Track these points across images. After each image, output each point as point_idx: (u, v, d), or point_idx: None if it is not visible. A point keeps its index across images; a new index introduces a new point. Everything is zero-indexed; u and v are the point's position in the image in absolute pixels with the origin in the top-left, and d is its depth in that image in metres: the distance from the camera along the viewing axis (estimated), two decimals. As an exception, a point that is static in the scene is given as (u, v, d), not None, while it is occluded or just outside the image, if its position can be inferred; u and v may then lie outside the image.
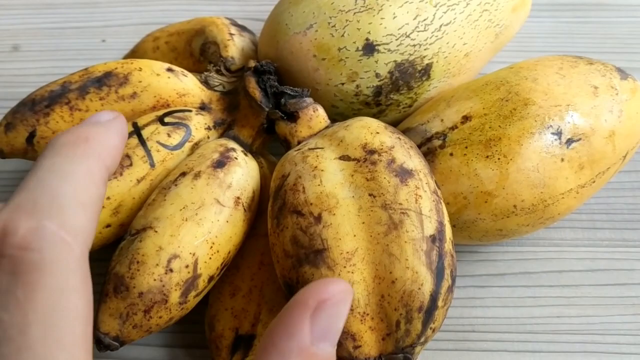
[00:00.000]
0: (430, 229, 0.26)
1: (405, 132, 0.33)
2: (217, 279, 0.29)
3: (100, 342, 0.27)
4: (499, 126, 0.30)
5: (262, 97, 0.32)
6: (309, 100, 0.32)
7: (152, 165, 0.30)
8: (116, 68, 0.33)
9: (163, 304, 0.27)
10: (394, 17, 0.32)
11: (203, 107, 0.33)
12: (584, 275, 0.35)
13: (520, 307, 0.34)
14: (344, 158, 0.28)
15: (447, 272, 0.26)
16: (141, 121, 0.31)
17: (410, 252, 0.25)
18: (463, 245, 0.36)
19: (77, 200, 0.21)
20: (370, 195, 0.27)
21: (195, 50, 0.37)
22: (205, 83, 0.34)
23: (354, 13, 0.32)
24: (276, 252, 0.27)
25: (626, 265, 0.35)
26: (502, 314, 0.34)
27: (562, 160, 0.30)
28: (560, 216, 0.32)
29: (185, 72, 0.34)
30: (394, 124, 0.35)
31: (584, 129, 0.31)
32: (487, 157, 0.30)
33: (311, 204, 0.27)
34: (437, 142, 0.31)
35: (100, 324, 0.27)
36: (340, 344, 0.25)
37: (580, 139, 0.31)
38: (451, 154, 0.31)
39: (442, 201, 0.28)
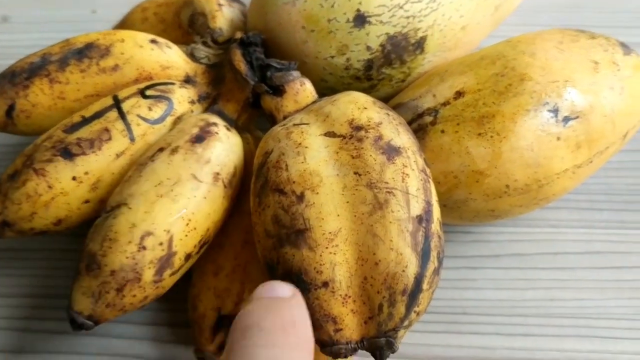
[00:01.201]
0: (416, 209, 0.25)
1: (397, 107, 0.31)
2: (196, 257, 0.28)
3: (73, 321, 0.26)
4: (493, 102, 0.29)
5: (247, 70, 0.31)
6: (296, 73, 0.30)
7: (132, 139, 0.29)
8: (98, 39, 0.32)
9: (136, 282, 0.26)
10: (386, -13, 0.31)
11: (188, 80, 0.32)
12: (579, 258, 0.34)
13: (512, 290, 0.33)
14: (330, 134, 0.27)
15: (434, 254, 0.25)
16: (122, 94, 0.30)
17: (395, 233, 0.24)
18: (455, 226, 0.35)
19: None
20: (355, 173, 0.26)
21: (183, 21, 0.36)
22: (192, 55, 0.33)
23: (344, -18, 0.31)
24: (257, 232, 0.27)
25: (623, 248, 0.34)
26: (494, 296, 0.33)
27: (558, 139, 0.29)
28: (555, 197, 0.31)
29: (170, 43, 0.33)
30: (387, 99, 0.33)
31: (582, 106, 0.29)
32: (480, 134, 0.29)
33: (294, 182, 0.26)
34: (428, 119, 0.30)
35: (73, 303, 0.26)
36: (321, 327, 0.24)
37: (577, 116, 0.29)
38: (442, 131, 0.29)
39: (430, 180, 0.27)
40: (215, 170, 0.28)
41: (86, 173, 0.29)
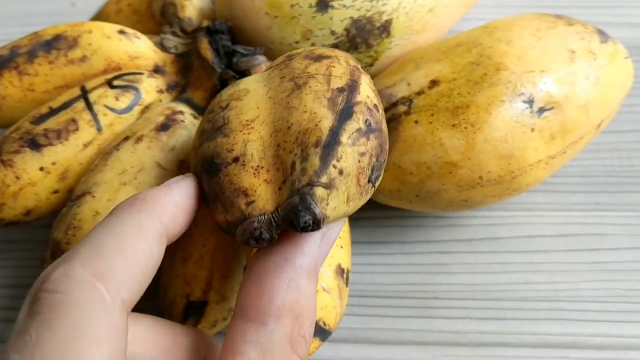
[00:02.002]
0: (338, 83, 0.23)
1: None
2: (162, 244, 0.29)
3: None
4: (468, 92, 0.29)
5: (214, 58, 0.31)
6: (262, 58, 0.31)
7: (99, 129, 0.30)
8: (66, 31, 0.32)
9: (101, 269, 0.26)
10: (350, -29, 0.31)
11: (157, 70, 0.32)
12: (554, 241, 0.34)
13: (486, 274, 0.33)
14: (268, 70, 0.26)
15: (359, 116, 0.22)
16: (89, 84, 0.31)
17: (311, 99, 0.22)
18: (429, 210, 0.35)
19: (119, 251, 0.20)
20: (281, 78, 0.24)
21: (155, 12, 0.36)
22: (161, 45, 0.33)
23: (307, -32, 0.31)
24: (191, 164, 0.25)
25: (599, 230, 0.34)
26: (467, 280, 0.33)
27: (533, 130, 0.29)
28: (528, 187, 0.30)
29: (138, 34, 0.33)
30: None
31: (557, 97, 0.29)
32: (454, 125, 0.28)
33: (222, 100, 0.25)
34: (402, 108, 0.30)
35: (39, 290, 0.27)
36: (231, 205, 0.22)
37: (552, 107, 0.29)
38: (416, 122, 0.29)
39: (363, 73, 0.24)
40: (180, 157, 0.29)
41: (54, 163, 0.29)
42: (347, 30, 0.31)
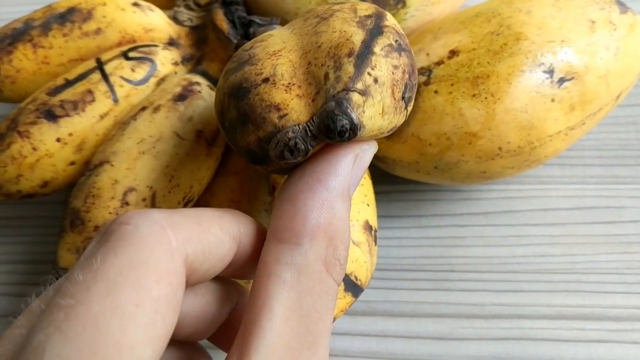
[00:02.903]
0: (365, 12, 0.23)
1: None
2: (180, 214, 0.28)
3: (59, 278, 0.26)
4: (488, 62, 0.28)
5: (230, 29, 0.31)
6: (279, 27, 0.30)
7: (116, 100, 0.30)
8: (80, 3, 0.32)
9: (120, 238, 0.26)
10: (366, -59, 0.30)
11: (171, 43, 0.32)
12: (571, 214, 0.34)
13: (502, 247, 0.33)
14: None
15: (388, 35, 0.22)
16: (105, 56, 0.30)
17: (340, 23, 0.22)
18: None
19: (195, 220, 0.20)
20: (304, 20, 0.24)
21: (168, -14, 0.36)
22: (174, 19, 0.33)
23: (323, -62, 0.30)
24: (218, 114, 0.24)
25: (615, 202, 0.34)
26: (484, 253, 0.33)
27: (553, 100, 0.28)
28: (547, 159, 0.30)
29: (152, 6, 0.33)
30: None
31: (578, 67, 0.29)
32: (474, 95, 0.28)
33: (246, 45, 0.24)
34: (421, 79, 0.30)
35: (58, 259, 0.27)
36: (263, 120, 0.21)
37: (572, 77, 0.29)
38: (436, 92, 0.29)
39: (389, 15, 0.24)
40: (198, 127, 0.28)
41: (70, 134, 0.29)
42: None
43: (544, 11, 0.29)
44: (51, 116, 0.29)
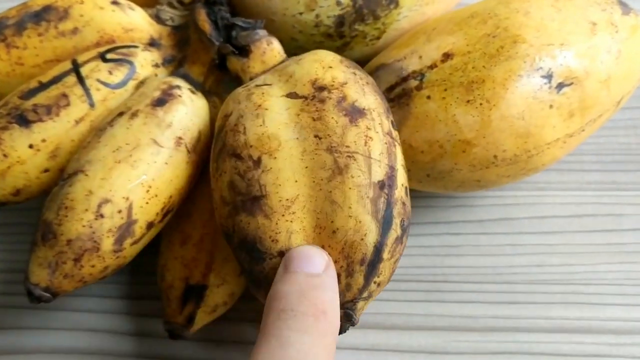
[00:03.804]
0: (378, 174, 0.24)
1: (380, 68, 0.30)
2: (160, 225, 0.27)
3: (30, 294, 0.25)
4: (483, 67, 0.27)
5: (212, 31, 0.29)
6: (262, 32, 0.29)
7: (92, 104, 0.28)
8: (56, 1, 0.30)
9: (95, 251, 0.25)
10: (356, -63, 0.29)
11: (152, 43, 0.31)
12: (569, 221, 0.32)
13: (498, 256, 0.32)
14: (292, 95, 0.25)
15: (396, 221, 0.24)
16: (81, 58, 0.29)
17: (355, 199, 0.23)
18: (438, 190, 0.33)
19: None
20: (315, 136, 0.24)
21: (151, -18, 0.35)
22: (157, 17, 0.32)
23: None
24: (215, 199, 0.25)
25: (615, 210, 0.32)
26: (478, 262, 0.32)
27: (551, 106, 0.27)
28: (544, 167, 0.29)
29: (133, 5, 0.31)
30: (365, 58, 0.32)
31: (578, 71, 0.27)
32: (468, 101, 0.27)
33: (251, 146, 0.24)
34: (413, 83, 0.28)
35: (29, 274, 0.25)
36: None
37: (572, 83, 0.27)
38: (428, 97, 0.28)
39: (397, 143, 0.25)
40: (178, 134, 0.27)
41: (43, 140, 0.27)
42: (353, 0, 0.29)
43: (543, 12, 0.28)
44: (23, 121, 0.27)
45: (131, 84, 0.29)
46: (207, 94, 0.30)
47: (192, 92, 0.29)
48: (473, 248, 0.32)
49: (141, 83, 0.29)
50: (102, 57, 0.29)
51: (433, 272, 0.32)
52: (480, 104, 0.27)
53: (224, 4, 0.30)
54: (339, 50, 0.31)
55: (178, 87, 0.28)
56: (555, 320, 0.30)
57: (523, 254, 0.32)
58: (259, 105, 0.25)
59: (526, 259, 0.32)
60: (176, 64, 0.31)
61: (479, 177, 0.28)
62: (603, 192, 0.33)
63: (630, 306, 0.30)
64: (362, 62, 0.32)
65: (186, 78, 0.30)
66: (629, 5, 0.30)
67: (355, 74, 0.26)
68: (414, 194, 0.33)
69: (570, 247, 0.32)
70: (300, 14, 0.29)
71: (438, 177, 0.28)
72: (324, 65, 0.26)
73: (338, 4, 0.29)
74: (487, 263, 0.32)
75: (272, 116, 0.25)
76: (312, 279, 0.23)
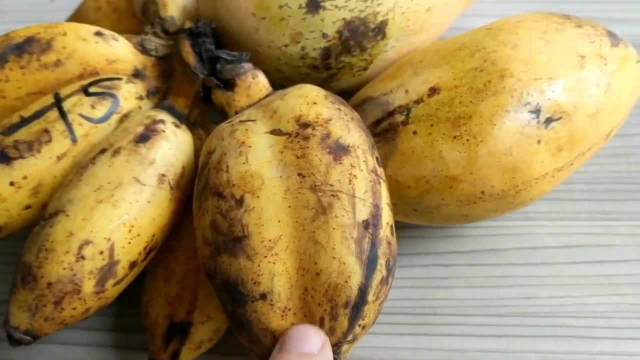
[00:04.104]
0: (363, 213, 0.23)
1: (366, 102, 0.29)
2: (142, 264, 0.27)
3: (10, 337, 0.25)
4: (471, 102, 0.27)
5: (196, 63, 0.29)
6: (248, 65, 0.29)
7: (74, 140, 0.28)
8: (39, 33, 0.30)
9: (75, 294, 0.24)
10: (342, -31, 0.28)
11: (137, 74, 0.30)
12: (558, 252, 0.32)
13: (487, 288, 0.32)
14: (276, 132, 0.25)
15: (381, 262, 0.23)
16: (63, 92, 0.29)
17: (339, 240, 0.23)
18: (427, 220, 0.33)
19: None
20: (299, 175, 0.24)
21: (137, 9, 0.34)
22: (142, 47, 0.31)
23: (296, -35, 0.28)
24: (197, 238, 0.25)
25: (605, 240, 0.32)
26: (467, 295, 0.31)
27: (539, 142, 0.27)
28: (533, 201, 0.29)
29: (117, 35, 0.31)
30: (353, 88, 0.32)
31: (566, 106, 0.27)
32: (455, 137, 0.27)
33: (234, 185, 0.24)
34: (399, 118, 0.28)
35: (10, 317, 0.25)
36: (259, 341, 0.23)
37: (560, 117, 0.27)
38: (415, 132, 0.27)
39: (382, 180, 0.25)
40: (161, 171, 0.27)
41: (25, 177, 0.27)
42: (339, 32, 0.29)
43: (531, 45, 0.28)
44: (4, 158, 0.27)
45: (114, 117, 0.29)
46: (192, 126, 0.30)
47: (176, 126, 0.28)
48: (462, 280, 0.32)
49: (125, 116, 0.29)
50: (85, 91, 0.29)
51: (422, 305, 0.31)
52: (467, 140, 0.26)
53: (209, 36, 0.30)
54: (325, 82, 0.31)
55: (162, 121, 0.28)
56: (544, 354, 0.30)
57: (512, 286, 0.31)
58: (243, 143, 0.25)
59: (515, 291, 0.31)
60: (161, 96, 0.30)
61: (466, 212, 0.28)
62: (593, 222, 0.33)
63: (620, 340, 0.30)
64: (349, 93, 0.31)
65: (171, 110, 0.30)
66: (618, 36, 0.30)
67: (340, 109, 0.26)
68: (403, 225, 0.33)
69: (559, 278, 0.32)
70: (286, 46, 0.29)
71: (425, 212, 0.28)
72: (309, 101, 0.26)
73: (324, 36, 0.29)
74: (476, 295, 0.31)
75: (255, 154, 0.25)
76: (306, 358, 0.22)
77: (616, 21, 0.38)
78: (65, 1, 0.42)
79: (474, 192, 0.27)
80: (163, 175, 0.27)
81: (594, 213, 0.33)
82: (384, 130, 0.28)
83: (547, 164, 0.27)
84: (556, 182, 0.28)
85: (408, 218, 0.29)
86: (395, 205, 0.28)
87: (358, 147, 0.25)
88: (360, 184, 0.24)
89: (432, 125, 0.27)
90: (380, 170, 0.25)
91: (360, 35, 0.29)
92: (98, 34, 0.30)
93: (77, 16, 0.37)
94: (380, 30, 0.30)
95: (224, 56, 0.29)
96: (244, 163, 0.24)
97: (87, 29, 0.30)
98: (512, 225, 0.33)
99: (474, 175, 0.27)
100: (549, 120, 0.27)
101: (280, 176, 0.24)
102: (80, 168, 0.27)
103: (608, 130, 0.29)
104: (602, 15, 0.39)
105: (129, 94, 0.29)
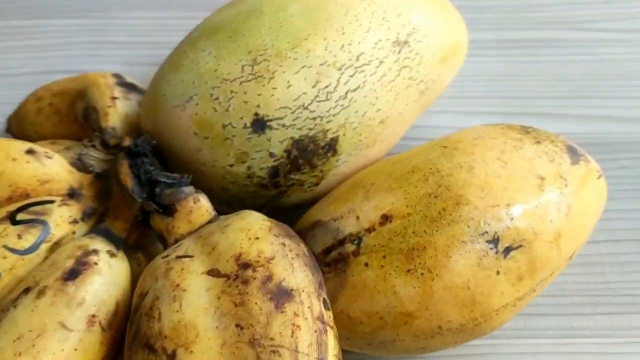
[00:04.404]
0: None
1: (316, 226, 0.27)
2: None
3: None
4: (425, 231, 0.25)
5: (134, 186, 0.27)
6: (189, 189, 0.27)
7: (-3, 275, 0.25)
8: (-36, 152, 0.28)
9: None
10: (289, 86, 0.27)
11: (72, 194, 0.28)
12: (525, 374, 0.30)
13: (450, 414, 0.29)
14: (213, 273, 0.23)
15: None
16: (-12, 220, 0.26)
17: None
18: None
19: None
20: (237, 326, 0.22)
21: (79, 115, 0.32)
22: (80, 161, 0.29)
23: (241, 82, 0.27)
24: None
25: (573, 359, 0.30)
26: (430, 423, 0.29)
27: (498, 273, 0.25)
28: (494, 331, 0.27)
29: (50, 153, 0.29)
30: (304, 202, 0.30)
31: (526, 233, 0.26)
32: (409, 271, 0.25)
33: (165, 336, 0.22)
34: (350, 247, 0.26)
35: None
36: None
37: (520, 245, 0.25)
38: (366, 264, 0.25)
39: (329, 327, 0.23)
40: (91, 312, 0.24)
41: (-60, 320, 0.24)
42: (287, 151, 0.27)
43: (488, 167, 0.26)
44: None
45: (44, 247, 0.26)
46: (130, 249, 0.28)
47: (112, 255, 0.26)
48: (424, 405, 0.30)
49: (56, 244, 0.27)
50: (11, 219, 0.26)
51: None
52: (422, 274, 0.25)
53: (148, 155, 0.28)
54: (275, 198, 0.29)
55: (95, 251, 0.26)
56: None
57: (477, 413, 0.29)
58: (177, 285, 0.23)
59: (481, 417, 0.29)
60: (97, 217, 0.28)
61: (423, 346, 0.26)
62: (560, 339, 0.31)
63: None
64: (302, 205, 0.30)
65: (107, 235, 0.28)
66: (578, 150, 0.29)
67: (284, 244, 0.24)
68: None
69: (527, 402, 0.30)
70: (231, 166, 0.27)
71: (380, 346, 0.26)
72: (250, 235, 0.24)
73: (271, 155, 0.27)
74: (439, 423, 0.29)
75: (190, 299, 0.23)
76: None
77: (576, 118, 0.38)
78: (6, 94, 0.40)
79: (431, 327, 0.25)
80: (93, 316, 0.24)
81: (561, 329, 0.31)
82: (335, 260, 0.26)
83: (507, 294, 0.26)
84: (518, 309, 0.27)
85: (363, 350, 0.27)
86: (348, 339, 0.26)
87: (303, 291, 0.23)
88: (304, 336, 0.22)
89: (384, 257, 0.25)
90: (327, 316, 0.23)
91: (310, 153, 0.28)
92: (30, 152, 0.28)
93: (18, 117, 0.35)
94: (331, 147, 0.28)
95: (163, 179, 0.27)
96: (177, 311, 0.22)
97: (19, 147, 0.28)
98: (476, 344, 0.31)
99: (430, 311, 0.25)
100: (508, 250, 0.25)
101: (217, 327, 0.22)
102: (1, 312, 0.24)
103: (570, 252, 0.27)
104: (562, 112, 0.38)
105: (62, 219, 0.27)
